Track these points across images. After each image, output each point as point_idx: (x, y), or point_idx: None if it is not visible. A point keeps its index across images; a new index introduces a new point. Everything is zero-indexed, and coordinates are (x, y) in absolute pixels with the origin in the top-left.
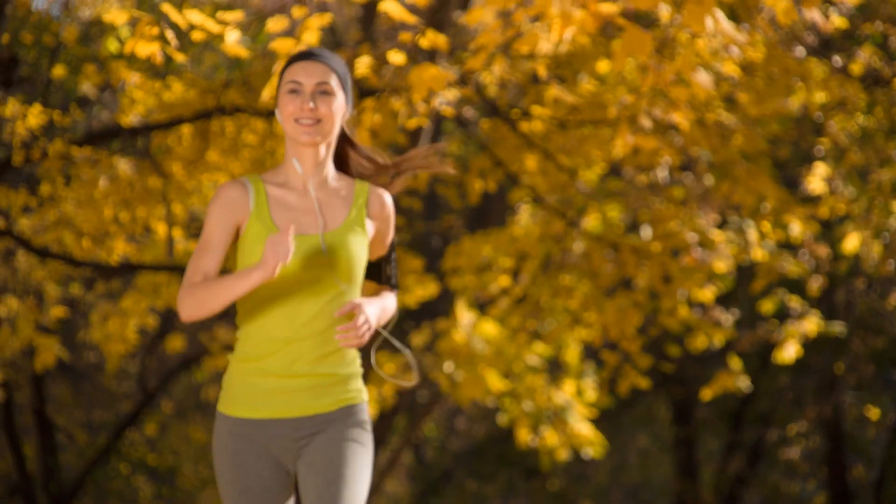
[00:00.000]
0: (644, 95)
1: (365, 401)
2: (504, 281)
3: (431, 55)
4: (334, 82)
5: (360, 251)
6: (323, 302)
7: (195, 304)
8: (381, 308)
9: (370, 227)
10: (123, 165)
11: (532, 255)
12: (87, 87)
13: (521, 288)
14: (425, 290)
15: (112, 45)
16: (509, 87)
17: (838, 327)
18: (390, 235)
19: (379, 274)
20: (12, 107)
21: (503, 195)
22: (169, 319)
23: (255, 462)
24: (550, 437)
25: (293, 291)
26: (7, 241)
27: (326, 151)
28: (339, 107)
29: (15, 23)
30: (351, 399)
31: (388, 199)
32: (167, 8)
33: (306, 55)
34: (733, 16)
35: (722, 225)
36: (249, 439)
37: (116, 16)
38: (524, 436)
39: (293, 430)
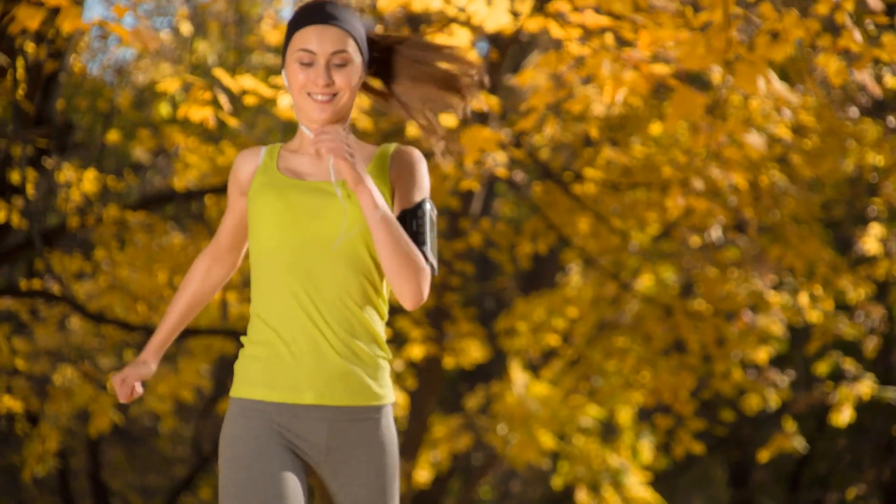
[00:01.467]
0: (697, 156)
1: (393, 401)
2: (556, 342)
3: (483, 117)
4: (351, 48)
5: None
6: (340, 262)
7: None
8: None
9: (393, 176)
10: (176, 231)
11: (584, 316)
12: (140, 152)
13: (574, 350)
14: (479, 352)
15: (164, 110)
16: (562, 149)
17: (892, 393)
18: (416, 190)
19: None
20: (67, 172)
21: (555, 256)
22: (223, 383)
23: (266, 440)
24: (610, 498)
25: (307, 245)
26: (62, 307)
27: (342, 114)
28: (357, 72)
29: (69, 89)
30: (384, 397)
31: (413, 152)
32: (220, 73)
33: (318, 15)
34: (785, 77)
35: (778, 286)
36: (262, 417)
37: (169, 83)
38: (584, 498)
39: (327, 425)
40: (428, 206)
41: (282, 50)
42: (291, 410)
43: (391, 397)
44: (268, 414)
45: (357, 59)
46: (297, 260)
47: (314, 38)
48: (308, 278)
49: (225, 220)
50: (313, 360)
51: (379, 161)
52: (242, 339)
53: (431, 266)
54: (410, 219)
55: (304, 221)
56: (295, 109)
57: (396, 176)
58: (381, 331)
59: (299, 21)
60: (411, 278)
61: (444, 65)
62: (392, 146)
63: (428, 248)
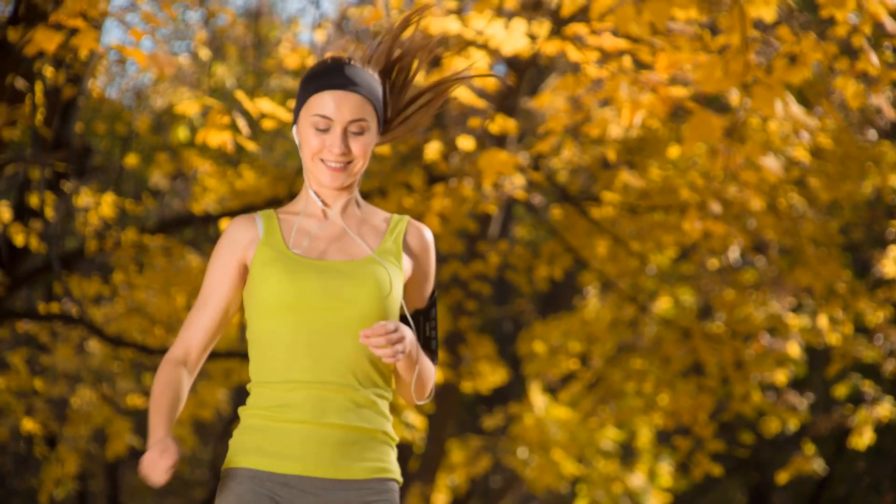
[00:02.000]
0: (715, 179)
1: (400, 482)
2: (574, 365)
3: (501, 140)
4: (370, 115)
5: (396, 284)
6: (350, 343)
7: (153, 388)
8: (418, 347)
9: (408, 264)
10: (194, 254)
11: (603, 339)
12: (159, 176)
13: (592, 372)
14: (497, 376)
15: (183, 134)
16: (579, 172)
17: None
18: (430, 282)
19: (416, 333)
20: (85, 196)
21: (573, 279)
22: (241, 404)
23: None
24: None
25: (317, 329)
26: (80, 330)
27: (353, 180)
28: (373, 139)
29: (88, 112)
30: (388, 472)
31: (428, 234)
32: (240, 95)
33: (338, 79)
34: (803, 100)
35: (796, 309)
36: (253, 482)
37: (188, 106)
38: None
39: (319, 492)
40: (435, 299)
41: (295, 105)
42: (282, 479)
43: (395, 474)
44: (259, 480)
45: (374, 125)
46: (306, 342)
47: (332, 105)
48: (315, 359)
49: (201, 316)
50: (310, 431)
51: (393, 234)
52: (240, 410)
53: (436, 356)
54: (425, 321)
55: (318, 308)
56: (305, 171)
57: (412, 255)
58: (387, 411)
59: (318, 82)
60: (420, 395)
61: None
62: (404, 219)
63: (435, 345)
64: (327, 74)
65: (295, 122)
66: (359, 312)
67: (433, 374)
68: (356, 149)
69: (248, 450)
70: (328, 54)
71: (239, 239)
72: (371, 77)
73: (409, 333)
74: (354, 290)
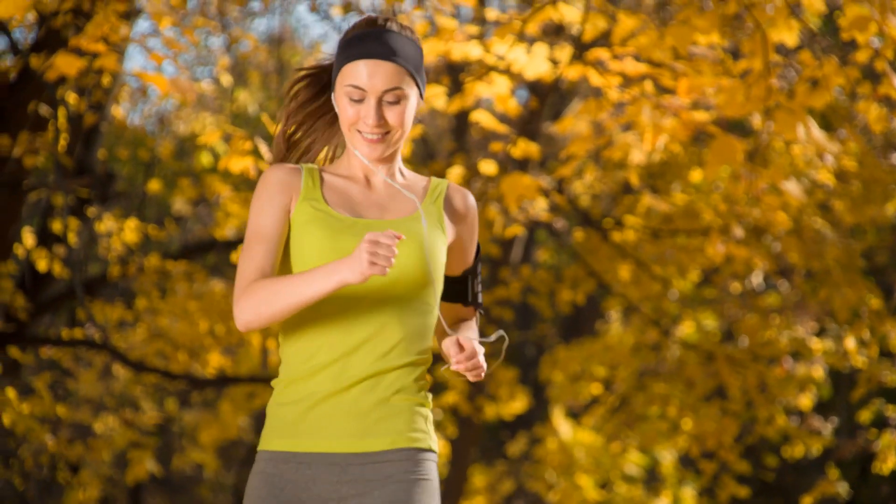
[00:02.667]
0: (738, 202)
1: (433, 449)
2: (597, 389)
3: (523, 165)
4: (406, 83)
5: (438, 247)
6: (388, 311)
7: (256, 304)
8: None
9: (450, 227)
10: (217, 279)
11: (626, 364)
12: (181, 202)
13: (615, 397)
14: (519, 401)
15: (205, 160)
16: (602, 196)
17: None
18: (475, 242)
19: (462, 292)
20: (108, 222)
21: (596, 304)
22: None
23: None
24: None
25: (354, 289)
26: (103, 356)
27: (393, 150)
28: (412, 108)
29: (111, 138)
30: (414, 440)
31: (470, 197)
32: (265, 118)
33: (372, 47)
34: (826, 125)
35: (820, 333)
36: (283, 478)
37: (210, 135)
38: None
39: (337, 471)
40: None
41: (333, 70)
42: (302, 458)
43: (420, 442)
44: (274, 462)
45: (412, 93)
46: (341, 304)
47: (365, 75)
48: (349, 321)
49: (259, 249)
50: (332, 404)
51: (433, 197)
52: (273, 381)
53: (482, 313)
54: (472, 279)
55: None
56: (345, 137)
57: (455, 218)
58: (420, 376)
59: (352, 50)
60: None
61: None
62: (444, 182)
63: (481, 298)
64: (362, 42)
65: (333, 88)
66: (399, 272)
67: (476, 334)
68: (392, 118)
69: (272, 429)
70: (366, 15)
71: (287, 182)
72: (408, 42)
73: (478, 347)
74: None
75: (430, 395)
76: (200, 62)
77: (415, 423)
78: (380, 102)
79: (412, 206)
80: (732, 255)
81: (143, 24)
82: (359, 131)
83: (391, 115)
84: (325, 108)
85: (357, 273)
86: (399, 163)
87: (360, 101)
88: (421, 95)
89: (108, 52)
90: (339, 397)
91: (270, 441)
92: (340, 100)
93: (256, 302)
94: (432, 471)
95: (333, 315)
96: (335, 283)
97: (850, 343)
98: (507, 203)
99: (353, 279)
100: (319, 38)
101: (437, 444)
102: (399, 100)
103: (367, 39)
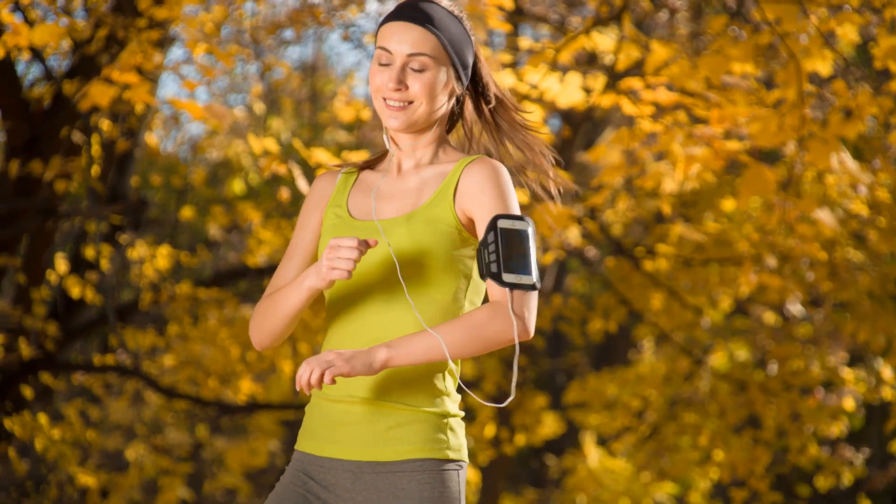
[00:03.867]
0: (771, 232)
1: (452, 458)
2: (628, 419)
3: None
4: (433, 52)
5: (428, 242)
6: (393, 311)
7: (259, 321)
8: (387, 351)
9: (463, 205)
10: (248, 306)
11: (658, 392)
12: (214, 229)
13: (647, 425)
14: (550, 428)
15: (237, 187)
16: (633, 225)
17: None
18: (485, 213)
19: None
20: (141, 248)
21: (628, 332)
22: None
23: (282, 496)
24: None
25: (361, 297)
26: (135, 382)
27: (419, 126)
28: (440, 81)
29: (143, 165)
30: (429, 450)
31: (485, 169)
32: (297, 144)
33: (406, 11)
34: (858, 155)
35: (853, 363)
36: (310, 476)
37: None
38: None
39: (351, 478)
40: (504, 224)
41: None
42: (319, 462)
43: (433, 452)
44: (302, 463)
45: (443, 65)
46: (347, 307)
47: (393, 37)
48: (354, 326)
49: (290, 266)
50: (343, 409)
51: (449, 180)
52: None
53: (528, 286)
54: (483, 250)
55: (364, 274)
56: (375, 107)
57: (467, 195)
58: (436, 382)
59: (390, 14)
60: (493, 346)
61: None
62: (465, 161)
63: (503, 271)
64: (402, 7)
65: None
66: (387, 272)
67: (496, 330)
68: (415, 86)
69: (303, 429)
70: None
71: (321, 192)
72: (450, 17)
73: (318, 359)
74: (379, 251)
75: (454, 401)
76: (234, 90)
77: (431, 431)
78: (404, 67)
79: (422, 201)
80: (766, 285)
81: (176, 52)
82: (384, 98)
83: (415, 82)
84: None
85: (320, 279)
86: (439, 144)
87: (388, 64)
88: (459, 79)
89: (140, 82)
90: (350, 403)
91: (301, 441)
92: (373, 66)
93: (259, 319)
94: (450, 481)
95: (344, 317)
96: (305, 289)
97: (888, 372)
98: (542, 230)
99: (319, 285)
100: (353, 66)
101: (460, 450)
102: (424, 68)
103: (407, 6)
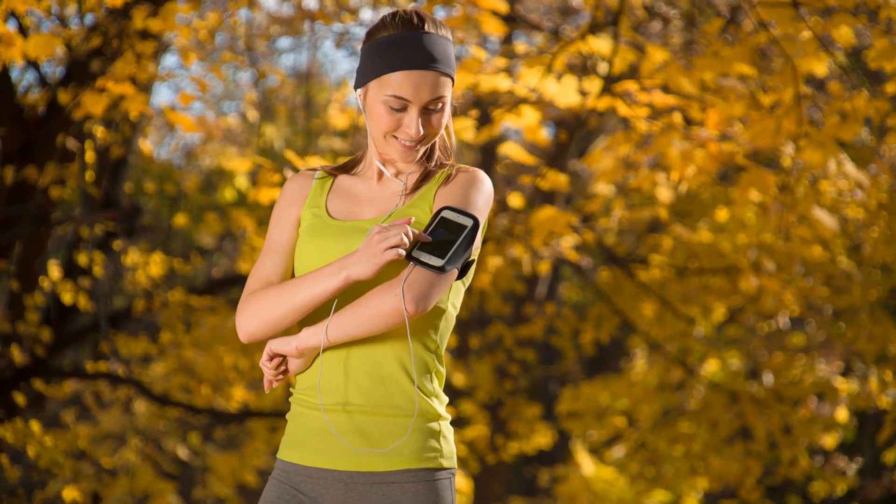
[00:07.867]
0: (773, 231)
1: (445, 466)
2: (620, 423)
3: (549, 199)
4: (447, 89)
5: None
6: None
7: (259, 312)
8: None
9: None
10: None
11: (649, 402)
12: (207, 236)
13: (639, 435)
14: (542, 437)
15: (230, 194)
16: (627, 235)
17: None
18: (449, 201)
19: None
20: (134, 255)
21: (620, 342)
22: None
23: None
24: None
25: (341, 296)
26: (127, 389)
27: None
28: (449, 108)
29: (137, 172)
30: (422, 460)
31: (467, 175)
32: (290, 155)
33: (417, 57)
34: (854, 160)
35: (846, 373)
36: (295, 488)
37: (239, 164)
38: None
39: (342, 489)
40: (447, 214)
41: (362, 66)
42: (307, 472)
43: (427, 462)
44: (287, 473)
45: (450, 93)
46: (331, 310)
47: (411, 88)
48: None
49: (272, 258)
50: (331, 419)
51: (432, 185)
52: (291, 390)
53: (433, 267)
54: (427, 227)
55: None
56: (371, 140)
57: (442, 199)
58: (426, 384)
59: (394, 58)
60: (380, 315)
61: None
62: (450, 169)
63: (418, 249)
64: (403, 47)
65: (360, 84)
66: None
67: (378, 303)
68: (433, 124)
69: (285, 439)
70: (394, 10)
71: (297, 191)
72: (444, 42)
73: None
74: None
75: (442, 402)
76: (228, 97)
77: (424, 440)
78: (422, 111)
79: (397, 203)
80: (764, 288)
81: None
82: (395, 137)
83: (433, 121)
84: None
85: (366, 265)
86: (434, 159)
87: (401, 109)
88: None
89: (134, 92)
90: (338, 412)
91: (284, 450)
92: (376, 106)
93: (259, 310)
94: (443, 491)
95: (324, 316)
96: (342, 279)
97: (874, 383)
98: (534, 240)
99: (361, 274)
100: (346, 73)
101: (452, 458)
102: (441, 107)
103: (407, 46)
